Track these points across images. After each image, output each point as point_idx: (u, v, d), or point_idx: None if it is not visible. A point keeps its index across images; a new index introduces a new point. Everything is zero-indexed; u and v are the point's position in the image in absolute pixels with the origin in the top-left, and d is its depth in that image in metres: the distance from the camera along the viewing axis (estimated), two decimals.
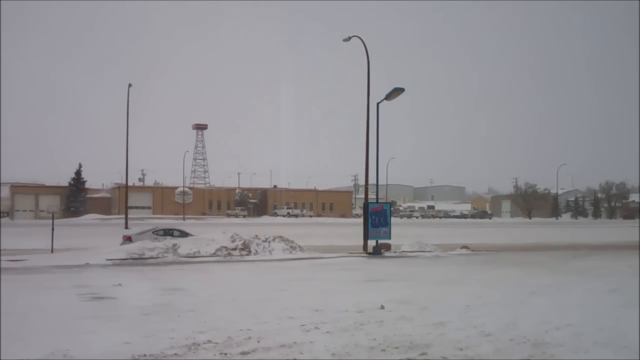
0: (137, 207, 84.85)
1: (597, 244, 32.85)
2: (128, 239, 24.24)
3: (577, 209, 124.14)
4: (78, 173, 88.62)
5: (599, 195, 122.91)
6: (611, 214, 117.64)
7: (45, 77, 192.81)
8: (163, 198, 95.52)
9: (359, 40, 25.94)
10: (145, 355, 6.83)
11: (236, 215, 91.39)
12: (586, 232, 50.21)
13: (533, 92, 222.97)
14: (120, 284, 13.28)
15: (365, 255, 23.30)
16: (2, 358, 6.69)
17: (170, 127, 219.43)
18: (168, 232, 25.61)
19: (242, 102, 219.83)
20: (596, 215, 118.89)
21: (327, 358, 6.85)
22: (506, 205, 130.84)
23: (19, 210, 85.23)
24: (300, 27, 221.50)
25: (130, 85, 46.55)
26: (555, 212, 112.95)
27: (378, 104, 25.33)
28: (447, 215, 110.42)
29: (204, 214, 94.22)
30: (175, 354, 6.90)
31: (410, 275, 16.21)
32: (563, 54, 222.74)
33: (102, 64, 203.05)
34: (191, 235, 24.61)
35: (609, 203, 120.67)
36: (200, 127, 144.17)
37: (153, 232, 25.19)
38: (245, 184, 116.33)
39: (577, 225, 75.78)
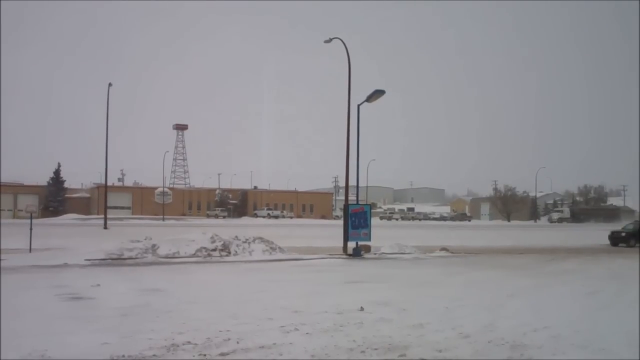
0: (116, 207, 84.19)
1: (574, 247, 33.19)
2: None
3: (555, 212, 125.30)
4: (57, 172, 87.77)
5: (577, 198, 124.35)
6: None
7: (25, 76, 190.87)
8: (143, 198, 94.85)
9: (342, 42, 26.00)
10: (123, 356, 6.80)
11: (216, 216, 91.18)
12: (564, 235, 50.72)
13: (513, 95, 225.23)
14: (98, 284, 13.17)
15: (345, 256, 23.31)
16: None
17: (150, 127, 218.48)
18: None
19: (223, 103, 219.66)
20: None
21: (307, 359, 6.86)
22: (485, 208, 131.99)
23: None
24: (282, 29, 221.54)
25: (110, 84, 46.30)
26: (533, 215, 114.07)
27: (359, 105, 25.30)
28: (426, 217, 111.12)
29: (183, 214, 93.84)
30: (154, 355, 6.87)
31: (389, 277, 16.27)
32: (545, 59, 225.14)
33: (83, 63, 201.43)
34: None
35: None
36: (181, 128, 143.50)
37: None
38: (226, 184, 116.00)
39: (555, 228, 76.59)
